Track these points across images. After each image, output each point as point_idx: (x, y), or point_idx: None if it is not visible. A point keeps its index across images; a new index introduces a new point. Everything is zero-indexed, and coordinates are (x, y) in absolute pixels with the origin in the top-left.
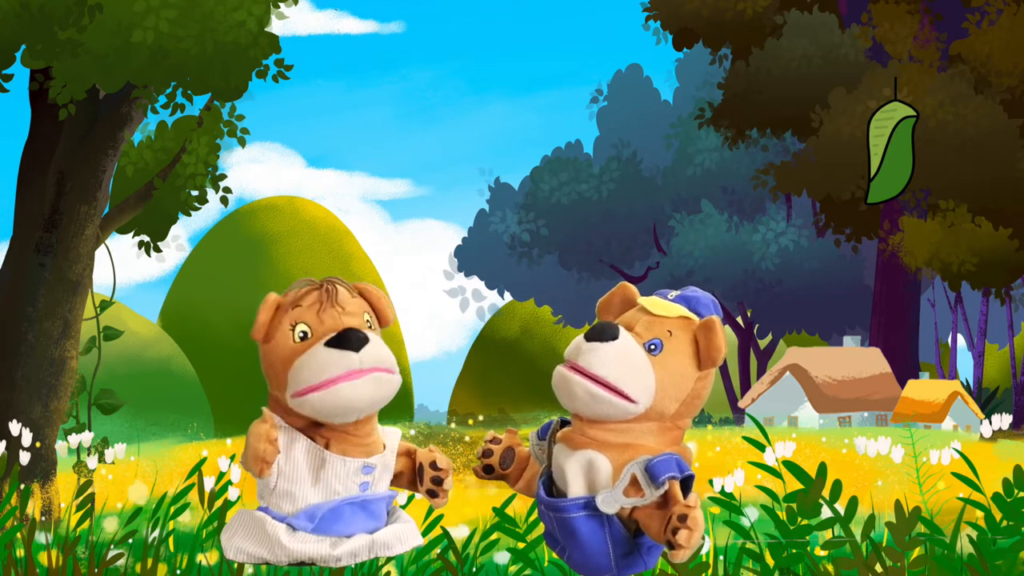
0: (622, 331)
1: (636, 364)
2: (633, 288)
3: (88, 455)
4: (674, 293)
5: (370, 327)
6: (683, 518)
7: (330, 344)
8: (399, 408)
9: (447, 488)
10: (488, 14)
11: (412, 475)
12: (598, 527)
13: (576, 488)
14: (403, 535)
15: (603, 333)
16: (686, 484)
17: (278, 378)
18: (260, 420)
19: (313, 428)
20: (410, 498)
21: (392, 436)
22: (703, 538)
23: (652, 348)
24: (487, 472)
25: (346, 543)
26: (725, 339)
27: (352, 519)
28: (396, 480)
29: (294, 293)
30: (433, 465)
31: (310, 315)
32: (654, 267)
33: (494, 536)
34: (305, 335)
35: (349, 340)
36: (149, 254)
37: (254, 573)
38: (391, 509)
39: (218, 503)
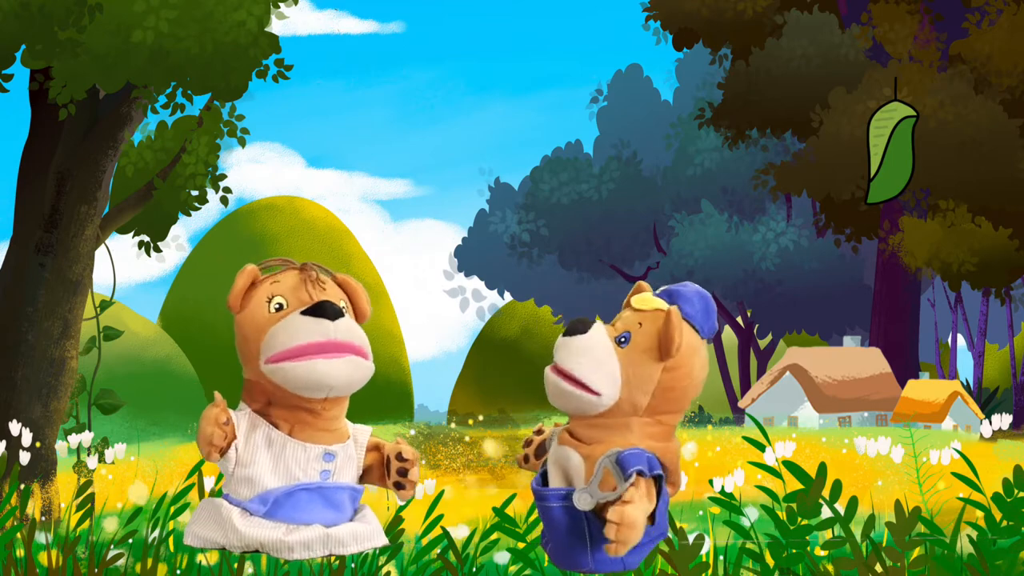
0: (595, 325)
1: (599, 356)
2: (643, 285)
3: (88, 455)
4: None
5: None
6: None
7: (306, 312)
8: (399, 408)
9: (413, 479)
10: (488, 14)
11: (381, 469)
12: (579, 519)
13: (556, 481)
14: (361, 535)
15: (574, 328)
16: (659, 484)
17: (250, 348)
18: (212, 404)
19: (279, 412)
20: (409, 499)
21: (363, 432)
22: (635, 533)
23: (621, 341)
24: (527, 461)
25: (300, 531)
26: (681, 331)
27: (309, 506)
28: (366, 475)
29: (273, 273)
30: (399, 456)
31: (286, 289)
32: (654, 267)
33: (494, 536)
34: (280, 307)
35: (324, 310)
36: (149, 254)
37: (254, 573)
38: (359, 507)
39: None
